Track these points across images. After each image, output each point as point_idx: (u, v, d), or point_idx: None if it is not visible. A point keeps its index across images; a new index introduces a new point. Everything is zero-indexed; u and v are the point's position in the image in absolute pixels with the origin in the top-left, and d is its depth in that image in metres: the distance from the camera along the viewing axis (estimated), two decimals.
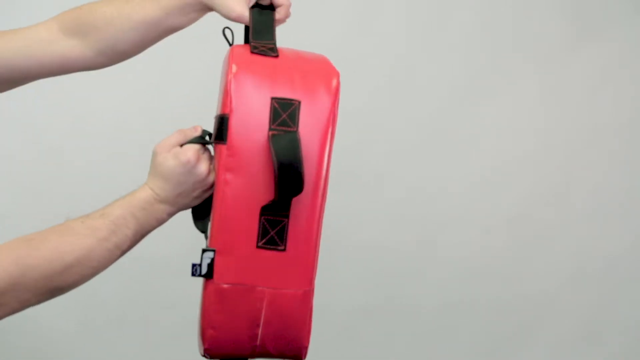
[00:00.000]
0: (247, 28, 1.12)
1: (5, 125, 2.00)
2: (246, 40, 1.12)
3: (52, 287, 0.98)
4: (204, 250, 1.01)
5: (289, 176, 0.95)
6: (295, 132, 0.98)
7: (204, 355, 1.05)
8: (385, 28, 2.23)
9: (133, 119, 2.06)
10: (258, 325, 1.01)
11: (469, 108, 2.29)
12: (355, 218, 2.16)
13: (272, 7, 1.11)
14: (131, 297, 2.09)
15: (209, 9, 1.11)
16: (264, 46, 1.04)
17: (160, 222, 1.05)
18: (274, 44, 1.06)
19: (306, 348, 1.05)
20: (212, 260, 1.01)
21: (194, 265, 1.02)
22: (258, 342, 1.02)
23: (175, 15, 1.12)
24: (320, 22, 2.15)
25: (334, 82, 1.01)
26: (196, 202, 1.05)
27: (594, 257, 2.39)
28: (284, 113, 0.99)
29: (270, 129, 0.98)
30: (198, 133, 1.04)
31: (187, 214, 1.08)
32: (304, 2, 2.17)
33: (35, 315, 2.06)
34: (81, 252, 0.98)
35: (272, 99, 0.99)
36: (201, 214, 1.07)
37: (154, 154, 1.04)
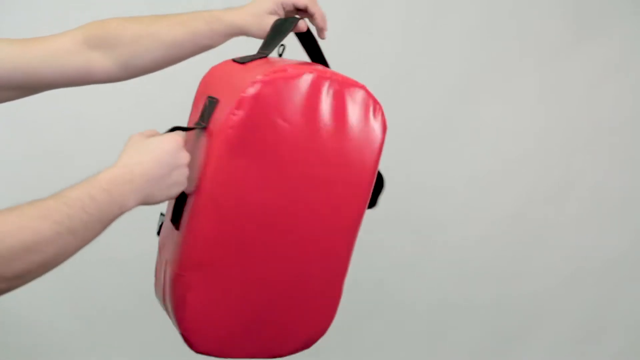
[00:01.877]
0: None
1: (6, 126, 2.01)
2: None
3: None
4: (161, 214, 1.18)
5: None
6: (201, 128, 1.06)
7: None
8: (385, 27, 2.23)
9: (134, 120, 2.06)
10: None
11: (468, 107, 2.29)
12: None
13: (298, 16, 1.20)
14: (131, 296, 2.09)
15: (240, 33, 1.15)
16: (253, 58, 1.12)
17: (123, 209, 0.93)
18: (266, 55, 1.13)
19: (184, 333, 1.12)
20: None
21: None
22: None
23: (202, 38, 1.14)
24: None
25: (249, 90, 1.01)
26: (163, 195, 0.99)
27: (594, 257, 2.39)
28: (207, 109, 1.07)
29: (195, 123, 1.08)
30: None
31: None
32: None
33: (35, 315, 2.07)
34: (26, 233, 0.82)
35: (207, 96, 1.09)
36: (177, 216, 1.08)
37: (132, 136, 1.00)
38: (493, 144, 2.32)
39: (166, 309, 1.15)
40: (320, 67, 1.12)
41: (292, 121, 1.04)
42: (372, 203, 1.22)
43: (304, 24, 1.20)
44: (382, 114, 1.11)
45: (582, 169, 2.38)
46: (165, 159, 0.97)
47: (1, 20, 1.98)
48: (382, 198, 2.22)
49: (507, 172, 2.33)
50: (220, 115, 1.04)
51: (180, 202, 1.08)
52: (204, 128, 1.06)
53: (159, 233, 1.20)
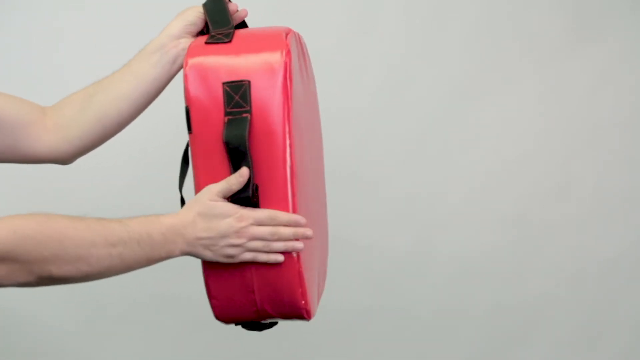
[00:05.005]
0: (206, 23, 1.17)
1: None
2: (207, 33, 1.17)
3: (44, 270, 0.93)
4: None
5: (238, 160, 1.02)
6: (247, 117, 1.03)
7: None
8: (385, 28, 2.22)
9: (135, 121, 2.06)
10: (252, 292, 1.07)
11: (468, 108, 2.29)
12: (354, 219, 2.15)
13: None
14: (132, 296, 2.09)
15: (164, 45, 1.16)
16: (220, 34, 1.09)
17: (169, 255, 1.02)
18: (231, 28, 1.11)
19: (305, 309, 1.09)
20: None
21: None
22: (258, 307, 1.08)
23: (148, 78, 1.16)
24: (320, 21, 2.15)
25: (280, 56, 1.03)
26: (209, 257, 1.03)
27: (594, 257, 2.38)
28: (236, 95, 1.03)
29: (225, 114, 1.03)
30: (244, 178, 1.03)
31: None
32: (304, 2, 2.18)
33: (35, 315, 2.07)
34: (84, 244, 0.94)
35: (223, 83, 1.04)
36: None
37: (204, 192, 1.03)
38: (493, 144, 2.32)
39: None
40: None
41: (299, 79, 1.09)
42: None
43: None
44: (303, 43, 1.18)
45: (583, 170, 2.37)
46: (223, 228, 1.02)
47: (1, 21, 1.98)
48: (383, 199, 2.21)
49: (507, 173, 2.33)
50: (264, 93, 1.03)
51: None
52: (249, 113, 1.04)
53: None
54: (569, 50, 2.33)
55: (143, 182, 2.03)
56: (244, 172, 1.02)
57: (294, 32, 1.11)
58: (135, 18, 2.04)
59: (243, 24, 1.20)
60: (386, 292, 2.26)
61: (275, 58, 1.03)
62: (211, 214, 1.01)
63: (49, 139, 1.15)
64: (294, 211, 1.04)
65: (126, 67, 1.17)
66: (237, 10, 1.17)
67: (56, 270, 0.93)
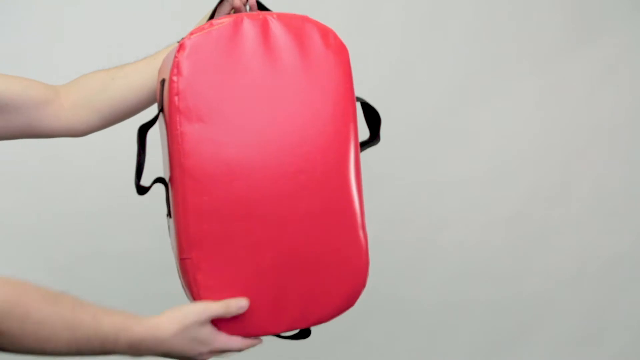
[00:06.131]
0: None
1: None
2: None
3: None
4: None
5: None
6: (159, 112, 1.06)
7: None
8: (384, 28, 2.23)
9: (133, 119, 2.06)
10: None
11: (468, 107, 2.29)
12: None
13: None
14: (132, 296, 2.09)
15: None
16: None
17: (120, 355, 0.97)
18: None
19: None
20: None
21: None
22: None
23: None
24: (320, 21, 2.15)
25: (180, 53, 1.01)
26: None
27: (594, 257, 2.39)
28: (160, 93, 1.06)
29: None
30: (244, 310, 1.02)
31: None
32: (304, 2, 2.18)
33: None
34: (45, 331, 0.89)
35: (159, 82, 1.08)
36: None
37: (186, 315, 0.99)
38: (493, 144, 2.32)
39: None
40: (259, 12, 1.09)
41: (243, 73, 1.02)
42: (374, 136, 1.20)
43: None
44: (336, 37, 1.08)
45: (582, 170, 2.38)
46: (189, 353, 0.99)
47: (1, 20, 1.98)
48: (383, 197, 2.22)
49: (507, 173, 2.33)
50: (167, 91, 1.02)
51: (167, 191, 1.07)
52: (161, 110, 1.04)
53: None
54: (569, 50, 2.34)
55: (147, 179, 2.03)
56: (243, 303, 1.01)
57: (228, 21, 1.04)
58: (133, 19, 2.04)
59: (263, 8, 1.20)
60: (386, 291, 2.26)
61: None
62: (191, 337, 0.99)
63: (65, 116, 1.16)
64: (186, 220, 1.01)
65: (151, 59, 1.19)
66: (245, 4, 1.18)
67: (6, 343, 0.88)
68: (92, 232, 2.01)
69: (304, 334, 1.14)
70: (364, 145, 1.22)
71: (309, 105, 1.04)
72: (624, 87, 2.39)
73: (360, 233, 1.11)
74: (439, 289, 2.30)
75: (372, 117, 1.20)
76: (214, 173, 1.00)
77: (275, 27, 1.05)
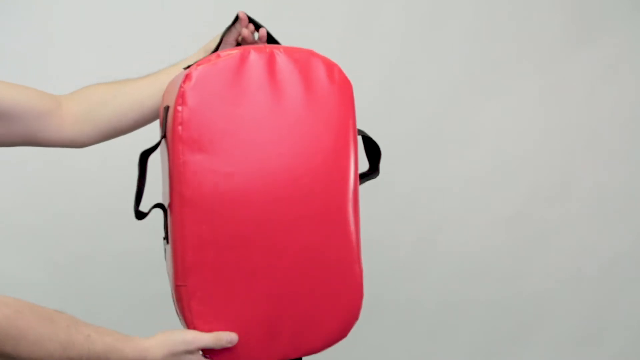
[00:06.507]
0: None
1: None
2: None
3: None
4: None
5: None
6: (161, 138, 1.07)
7: None
8: (385, 28, 2.22)
9: None
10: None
11: (468, 107, 2.29)
12: None
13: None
14: (133, 297, 2.09)
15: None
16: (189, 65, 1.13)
17: None
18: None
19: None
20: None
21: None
22: None
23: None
24: (319, 22, 2.15)
25: (186, 83, 1.02)
26: None
27: (594, 257, 2.39)
28: (164, 119, 1.06)
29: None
30: (233, 344, 1.05)
31: None
32: (304, 3, 2.18)
33: None
34: (40, 352, 0.92)
35: (163, 108, 1.09)
36: None
37: (194, 344, 1.02)
38: (493, 144, 2.32)
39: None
40: (266, 45, 1.09)
41: (246, 104, 1.03)
42: (373, 169, 1.20)
43: (242, 13, 1.21)
44: (340, 72, 1.08)
45: (583, 170, 2.38)
46: None
47: (1, 21, 1.98)
48: (383, 199, 2.23)
49: (507, 173, 2.33)
50: (171, 119, 1.03)
51: (166, 217, 1.08)
52: (164, 137, 1.05)
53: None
54: (569, 50, 2.34)
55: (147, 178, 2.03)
56: (234, 338, 1.04)
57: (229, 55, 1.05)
58: (133, 20, 2.04)
59: (273, 41, 1.21)
60: (386, 291, 2.26)
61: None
62: None
63: (64, 129, 1.17)
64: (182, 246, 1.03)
65: (154, 78, 1.20)
66: (253, 33, 1.21)
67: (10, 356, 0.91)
68: (92, 232, 2.01)
69: None
70: (363, 177, 1.23)
71: (311, 139, 1.05)
72: (624, 87, 2.38)
73: (356, 267, 1.13)
74: (439, 289, 2.30)
75: (373, 150, 1.22)
76: (213, 203, 1.02)
77: (282, 61, 1.05)
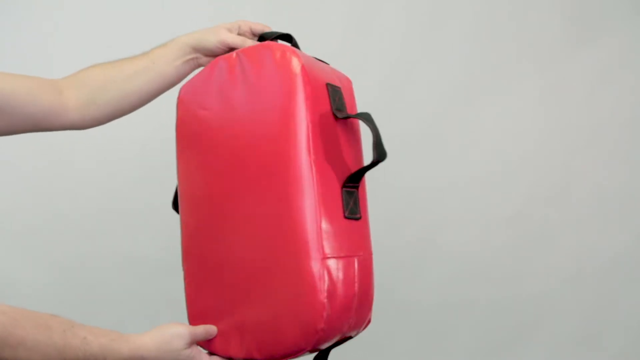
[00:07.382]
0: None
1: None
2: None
3: None
4: None
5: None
6: None
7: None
8: (385, 29, 2.23)
9: (132, 120, 2.06)
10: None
11: (468, 108, 2.29)
12: None
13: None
14: (133, 296, 2.09)
15: (200, 49, 1.22)
16: None
17: None
18: None
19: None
20: None
21: None
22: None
23: (163, 64, 1.23)
24: (319, 23, 2.15)
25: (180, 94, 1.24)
26: None
27: (594, 257, 2.39)
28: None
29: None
30: (212, 336, 1.12)
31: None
32: (304, 3, 2.18)
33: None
34: (39, 355, 0.95)
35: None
36: None
37: (188, 338, 1.07)
38: (493, 144, 2.32)
39: None
40: (234, 52, 1.17)
41: (211, 106, 1.14)
42: (382, 156, 1.12)
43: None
44: (283, 55, 1.07)
45: (583, 170, 2.37)
46: None
47: (1, 20, 1.98)
48: (383, 199, 2.20)
49: (507, 173, 2.33)
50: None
51: None
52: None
53: None
54: (569, 50, 2.34)
55: (147, 179, 2.03)
56: (212, 330, 1.11)
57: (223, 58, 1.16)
58: (133, 19, 2.04)
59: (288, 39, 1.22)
60: (386, 291, 2.26)
61: None
62: (173, 357, 1.06)
63: (67, 115, 1.19)
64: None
65: (149, 62, 1.22)
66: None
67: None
68: (92, 232, 2.01)
69: None
70: (370, 166, 1.17)
71: (257, 128, 1.08)
72: (623, 87, 2.38)
73: (309, 265, 0.98)
74: (439, 289, 2.30)
75: (375, 137, 1.16)
76: (191, 197, 1.16)
77: (240, 62, 1.13)
